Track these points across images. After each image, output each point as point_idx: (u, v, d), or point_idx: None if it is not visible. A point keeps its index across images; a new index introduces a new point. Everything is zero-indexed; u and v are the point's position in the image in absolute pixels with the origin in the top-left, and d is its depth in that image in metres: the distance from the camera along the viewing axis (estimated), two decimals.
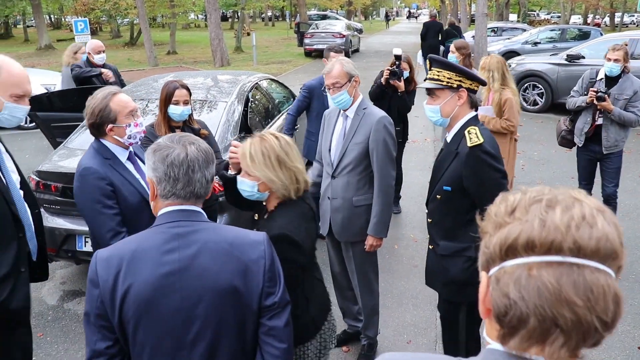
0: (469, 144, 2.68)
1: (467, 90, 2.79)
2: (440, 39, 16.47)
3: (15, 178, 2.66)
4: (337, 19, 35.24)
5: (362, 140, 3.37)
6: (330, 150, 3.51)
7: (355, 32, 28.08)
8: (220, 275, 1.71)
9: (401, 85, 5.50)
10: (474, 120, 2.82)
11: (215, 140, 3.91)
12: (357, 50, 26.00)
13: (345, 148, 3.41)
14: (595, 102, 4.94)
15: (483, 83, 2.87)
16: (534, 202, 0.88)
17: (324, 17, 36.42)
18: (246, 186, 2.31)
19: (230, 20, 50.16)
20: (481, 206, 2.70)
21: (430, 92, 2.85)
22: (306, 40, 23.49)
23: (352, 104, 3.42)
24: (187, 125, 3.70)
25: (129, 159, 2.87)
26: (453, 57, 5.74)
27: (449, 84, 2.77)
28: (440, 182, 2.86)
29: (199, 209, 1.82)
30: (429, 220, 3.01)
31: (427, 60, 2.89)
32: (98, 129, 2.76)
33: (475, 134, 2.70)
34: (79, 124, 5.32)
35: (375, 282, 3.71)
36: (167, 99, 3.57)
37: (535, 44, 17.55)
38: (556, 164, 8.11)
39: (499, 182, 2.69)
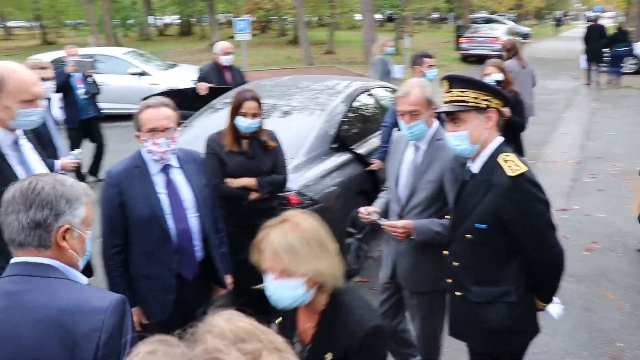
0: (510, 174, 2.34)
1: (496, 110, 2.45)
2: (605, 42, 15.19)
3: None
4: (502, 23, 33.46)
5: (436, 178, 2.95)
6: (397, 184, 3.11)
7: (519, 38, 26.41)
8: (39, 352, 1.43)
9: None
10: (505, 146, 2.47)
11: (282, 154, 3.77)
12: None
13: (416, 186, 3.01)
14: None
15: (509, 102, 2.52)
16: None
17: (489, 21, 34.80)
18: (289, 290, 1.76)
19: (395, 21, 50.04)
20: (522, 243, 2.40)
21: (452, 117, 2.48)
22: (462, 45, 22.62)
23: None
24: (254, 136, 3.61)
25: (165, 172, 2.84)
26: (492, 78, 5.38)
27: (477, 105, 2.42)
28: (470, 219, 2.48)
29: (49, 261, 1.57)
30: (454, 263, 2.61)
31: (445, 80, 2.52)
32: None
33: (514, 161, 2.36)
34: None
35: (441, 334, 3.26)
36: (235, 109, 3.51)
37: None
38: None
39: (544, 216, 2.40)
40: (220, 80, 7.11)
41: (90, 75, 7.37)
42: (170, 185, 2.82)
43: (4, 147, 2.60)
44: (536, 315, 2.60)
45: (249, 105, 3.47)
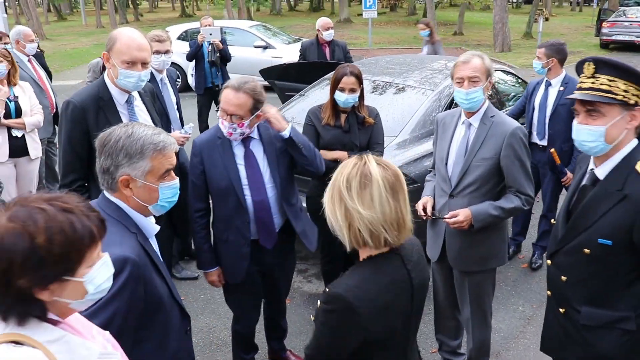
0: None
1: None
2: None
3: None
4: None
5: (491, 155, 2.88)
6: (447, 163, 3.05)
7: None
8: None
9: None
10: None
11: (380, 131, 3.77)
12: None
13: (469, 164, 2.94)
14: None
15: None
16: None
17: None
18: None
19: (534, 2, 47.17)
20: None
21: (590, 107, 2.10)
22: (604, 30, 20.80)
23: (479, 109, 2.95)
24: (354, 111, 3.65)
25: (244, 144, 2.91)
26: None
27: (625, 99, 2.05)
28: (590, 231, 2.17)
29: (117, 201, 1.85)
30: (562, 278, 2.33)
31: (590, 63, 2.14)
32: None
33: None
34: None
35: (490, 315, 3.25)
36: (335, 84, 3.56)
37: None
38: None
39: None
40: (318, 55, 7.34)
41: (221, 42, 7.49)
42: (248, 157, 2.89)
43: (118, 105, 2.86)
44: None
45: (346, 81, 3.51)
